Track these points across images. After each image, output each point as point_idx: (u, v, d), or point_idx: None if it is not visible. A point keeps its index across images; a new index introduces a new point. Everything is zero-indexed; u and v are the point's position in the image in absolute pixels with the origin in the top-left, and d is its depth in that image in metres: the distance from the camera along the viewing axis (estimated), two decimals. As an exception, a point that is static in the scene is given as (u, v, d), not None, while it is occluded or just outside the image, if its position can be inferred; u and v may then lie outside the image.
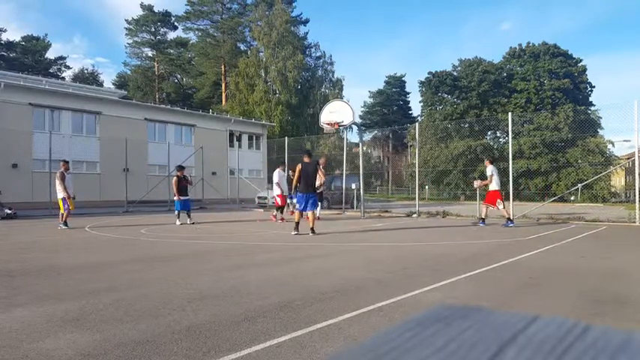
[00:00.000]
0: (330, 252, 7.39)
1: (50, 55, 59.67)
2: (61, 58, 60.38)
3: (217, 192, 26.78)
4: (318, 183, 10.35)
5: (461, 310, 0.53)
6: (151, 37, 58.80)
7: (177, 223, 12.87)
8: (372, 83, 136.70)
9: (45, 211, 17.23)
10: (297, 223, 9.89)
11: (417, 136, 22.47)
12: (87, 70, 63.06)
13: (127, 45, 60.25)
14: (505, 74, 45.37)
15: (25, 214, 16.35)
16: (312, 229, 9.75)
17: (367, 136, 63.76)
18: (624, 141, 24.18)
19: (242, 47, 54.34)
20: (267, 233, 10.56)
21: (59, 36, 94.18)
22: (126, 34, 58.62)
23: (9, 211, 15.53)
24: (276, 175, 14.34)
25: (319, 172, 10.28)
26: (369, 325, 3.31)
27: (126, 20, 59.51)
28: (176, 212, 13.32)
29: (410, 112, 71.52)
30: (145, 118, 27.36)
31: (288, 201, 14.85)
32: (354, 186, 19.43)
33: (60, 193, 11.71)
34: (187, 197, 13.47)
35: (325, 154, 25.66)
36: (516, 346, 0.43)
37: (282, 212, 14.24)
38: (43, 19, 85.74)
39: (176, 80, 62.24)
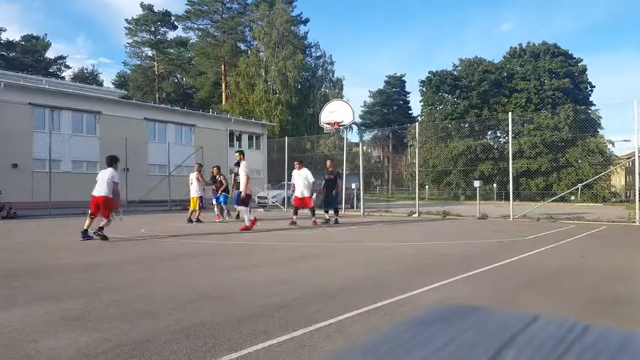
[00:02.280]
0: (329, 251, 7.39)
1: (50, 54, 59.74)
2: (61, 57, 60.41)
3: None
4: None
5: (461, 310, 0.53)
6: (151, 36, 58.80)
7: (227, 218, 13.94)
8: (372, 83, 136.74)
9: (45, 211, 17.23)
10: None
11: (417, 136, 22.44)
12: (87, 69, 63.11)
13: (127, 45, 60.30)
14: (505, 74, 45.36)
15: (25, 214, 16.35)
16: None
17: (367, 136, 63.79)
18: (624, 141, 24.16)
19: (242, 47, 54.35)
20: (266, 233, 10.56)
21: (62, 37, 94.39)
22: (126, 34, 58.68)
23: (9, 211, 15.54)
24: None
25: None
26: (369, 325, 3.31)
27: (126, 20, 59.59)
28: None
29: (410, 111, 71.52)
30: (145, 118, 27.36)
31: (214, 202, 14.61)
32: (354, 186, 19.44)
33: (197, 193, 13.43)
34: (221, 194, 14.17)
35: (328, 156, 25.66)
36: (516, 345, 0.43)
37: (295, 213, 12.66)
38: (47, 20, 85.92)
39: (176, 80, 62.23)
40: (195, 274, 5.33)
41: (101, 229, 8.70)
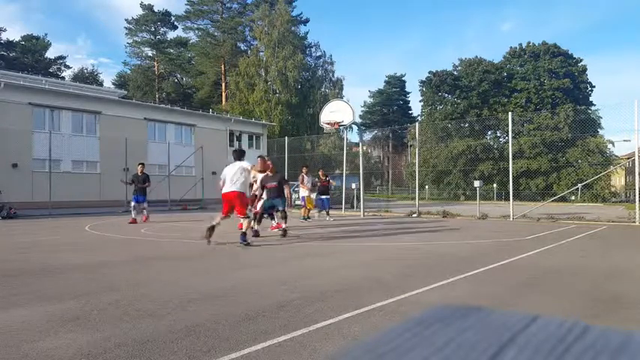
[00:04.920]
0: (329, 251, 7.39)
1: (50, 54, 59.71)
2: (61, 57, 60.39)
3: (217, 192, 26.74)
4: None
5: (461, 310, 0.53)
6: (151, 36, 58.77)
7: (316, 217, 14.78)
8: (372, 83, 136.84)
9: (45, 210, 17.22)
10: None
11: (417, 136, 22.46)
12: (87, 69, 63.06)
13: (127, 45, 60.30)
14: (505, 74, 45.37)
15: (25, 214, 16.34)
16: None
17: (367, 136, 63.79)
18: (624, 141, 24.16)
19: (242, 47, 54.37)
20: (265, 233, 10.55)
21: (63, 37, 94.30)
22: (126, 34, 58.66)
23: (9, 211, 15.53)
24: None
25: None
26: (369, 325, 3.31)
27: (126, 20, 59.60)
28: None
29: (410, 111, 71.55)
30: (145, 118, 27.36)
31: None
32: (354, 186, 19.44)
33: (304, 192, 14.46)
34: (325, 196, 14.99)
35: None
36: (516, 346, 0.43)
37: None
38: (47, 20, 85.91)
39: (176, 80, 62.20)
40: (195, 274, 5.33)
41: (244, 234, 7.86)
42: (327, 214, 15.07)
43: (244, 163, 8.19)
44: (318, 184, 15.13)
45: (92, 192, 23.53)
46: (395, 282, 4.85)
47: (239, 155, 8.36)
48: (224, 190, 8.13)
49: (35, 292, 4.40)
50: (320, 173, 15.27)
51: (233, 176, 8.05)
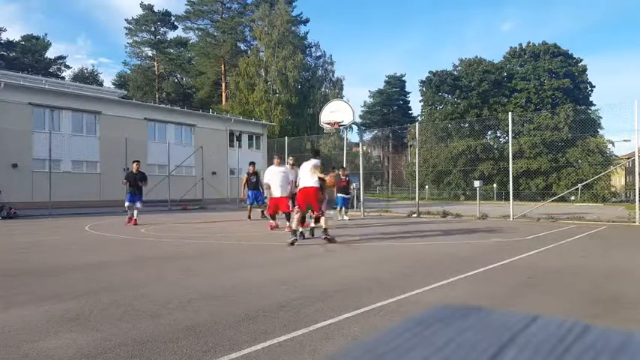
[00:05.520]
0: (329, 251, 7.39)
1: (50, 54, 59.70)
2: (61, 57, 60.37)
3: (217, 192, 26.78)
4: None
5: (460, 310, 0.53)
6: (151, 36, 58.77)
7: (339, 218, 14.24)
8: (372, 83, 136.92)
9: (45, 210, 17.22)
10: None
11: (417, 136, 22.47)
12: (86, 69, 63.04)
13: (127, 45, 60.32)
14: (505, 74, 45.38)
15: (25, 214, 16.34)
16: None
17: (367, 136, 63.77)
18: (624, 141, 24.16)
19: (242, 47, 54.37)
20: (265, 233, 10.55)
21: (63, 37, 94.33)
22: (126, 34, 58.67)
23: (9, 211, 15.53)
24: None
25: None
26: (369, 325, 3.31)
27: (126, 20, 59.59)
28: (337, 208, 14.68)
29: (410, 111, 71.59)
30: (145, 118, 27.36)
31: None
32: (354, 186, 19.43)
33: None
34: (346, 195, 14.83)
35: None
36: (516, 346, 0.43)
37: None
38: (47, 20, 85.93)
39: (176, 80, 62.18)
40: (196, 274, 5.33)
41: (325, 231, 7.83)
42: (346, 213, 14.80)
43: (314, 160, 8.33)
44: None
45: (92, 192, 23.53)
46: (395, 282, 4.85)
47: (315, 154, 8.75)
48: (302, 185, 8.17)
49: (35, 291, 4.40)
50: (340, 172, 14.74)
51: (309, 172, 8.13)
